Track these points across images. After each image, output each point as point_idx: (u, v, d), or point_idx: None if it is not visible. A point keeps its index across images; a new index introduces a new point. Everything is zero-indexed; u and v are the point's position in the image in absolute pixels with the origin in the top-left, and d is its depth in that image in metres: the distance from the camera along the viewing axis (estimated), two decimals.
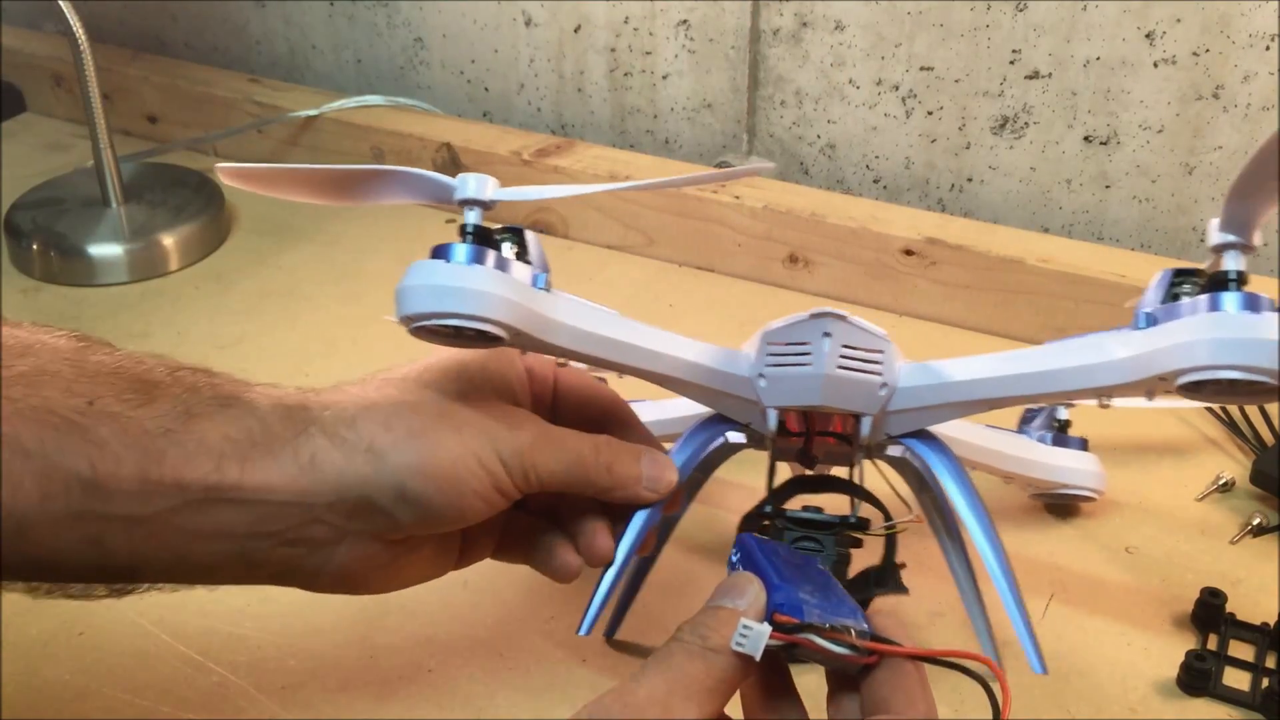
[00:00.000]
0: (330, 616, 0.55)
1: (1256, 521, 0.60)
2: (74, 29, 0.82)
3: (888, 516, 0.49)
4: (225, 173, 0.47)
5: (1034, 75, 0.81)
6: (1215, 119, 0.76)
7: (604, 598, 0.46)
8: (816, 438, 0.48)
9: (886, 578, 0.48)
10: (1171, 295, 0.42)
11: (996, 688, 0.36)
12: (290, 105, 0.98)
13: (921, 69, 0.84)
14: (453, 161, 0.92)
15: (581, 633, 0.45)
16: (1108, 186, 0.83)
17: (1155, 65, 0.77)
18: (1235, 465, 0.65)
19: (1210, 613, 0.54)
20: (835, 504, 0.48)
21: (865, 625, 0.37)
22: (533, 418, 0.45)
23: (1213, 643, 0.54)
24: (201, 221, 0.88)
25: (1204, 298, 0.40)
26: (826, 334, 0.45)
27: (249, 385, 0.43)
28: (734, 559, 0.40)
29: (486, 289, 0.41)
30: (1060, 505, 0.62)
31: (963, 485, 0.46)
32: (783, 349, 0.46)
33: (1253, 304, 0.39)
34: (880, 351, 0.46)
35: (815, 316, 0.45)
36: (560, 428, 0.45)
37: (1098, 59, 0.79)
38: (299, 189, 0.49)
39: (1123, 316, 0.43)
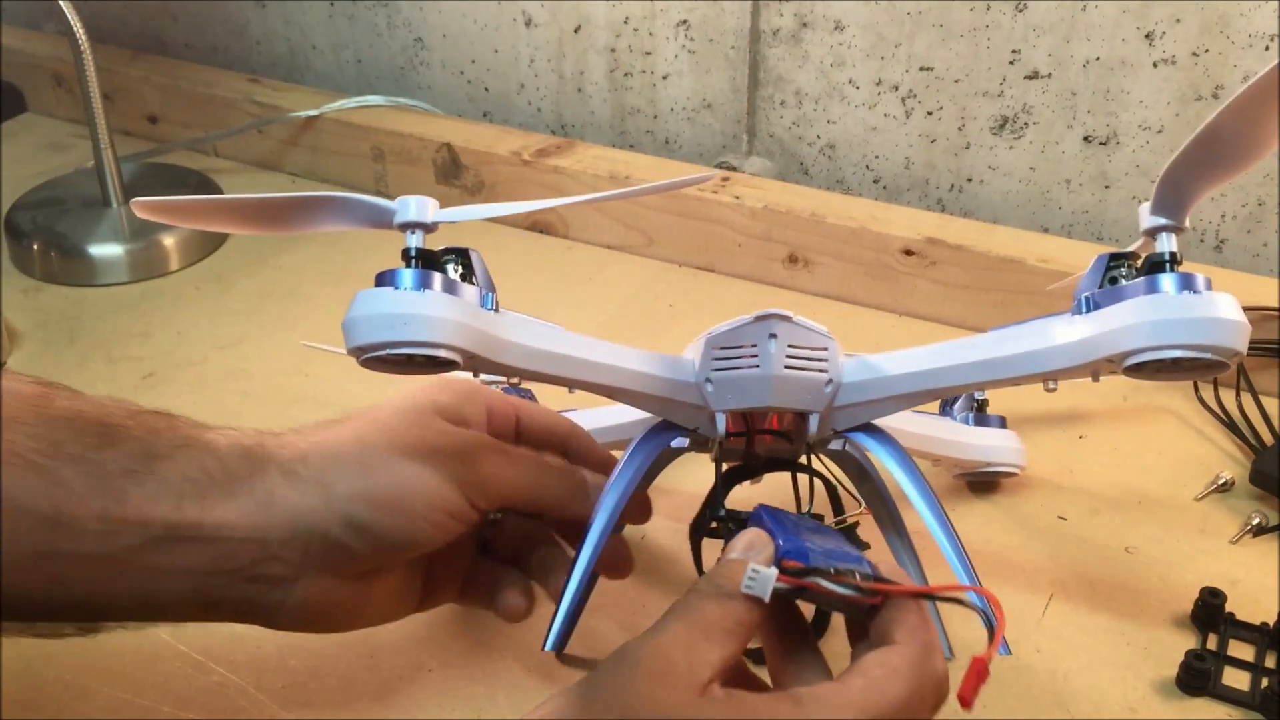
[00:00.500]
0: None
1: (1256, 521, 0.60)
2: (74, 29, 0.82)
3: (835, 497, 0.50)
4: (139, 206, 0.47)
5: (1034, 75, 0.81)
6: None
7: (566, 612, 0.46)
8: (757, 436, 0.48)
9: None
10: (1109, 279, 0.43)
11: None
12: (290, 105, 0.98)
13: (921, 69, 0.84)
14: (453, 162, 0.92)
15: (547, 648, 0.46)
16: (1107, 186, 0.83)
17: (1155, 65, 0.77)
18: (1235, 465, 0.65)
19: (1210, 612, 0.54)
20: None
21: (869, 569, 0.39)
22: (483, 438, 0.46)
23: (1212, 642, 0.54)
24: None
25: (1143, 280, 0.42)
26: (772, 335, 0.46)
27: (208, 427, 0.45)
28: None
29: (437, 314, 0.41)
30: (983, 483, 0.64)
31: (911, 474, 0.47)
32: (728, 353, 0.46)
33: (1189, 284, 0.41)
34: (825, 349, 0.47)
35: (760, 319, 0.46)
36: (511, 446, 0.46)
37: (1097, 59, 0.79)
38: (222, 220, 0.49)
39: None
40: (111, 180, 0.88)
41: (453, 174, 0.92)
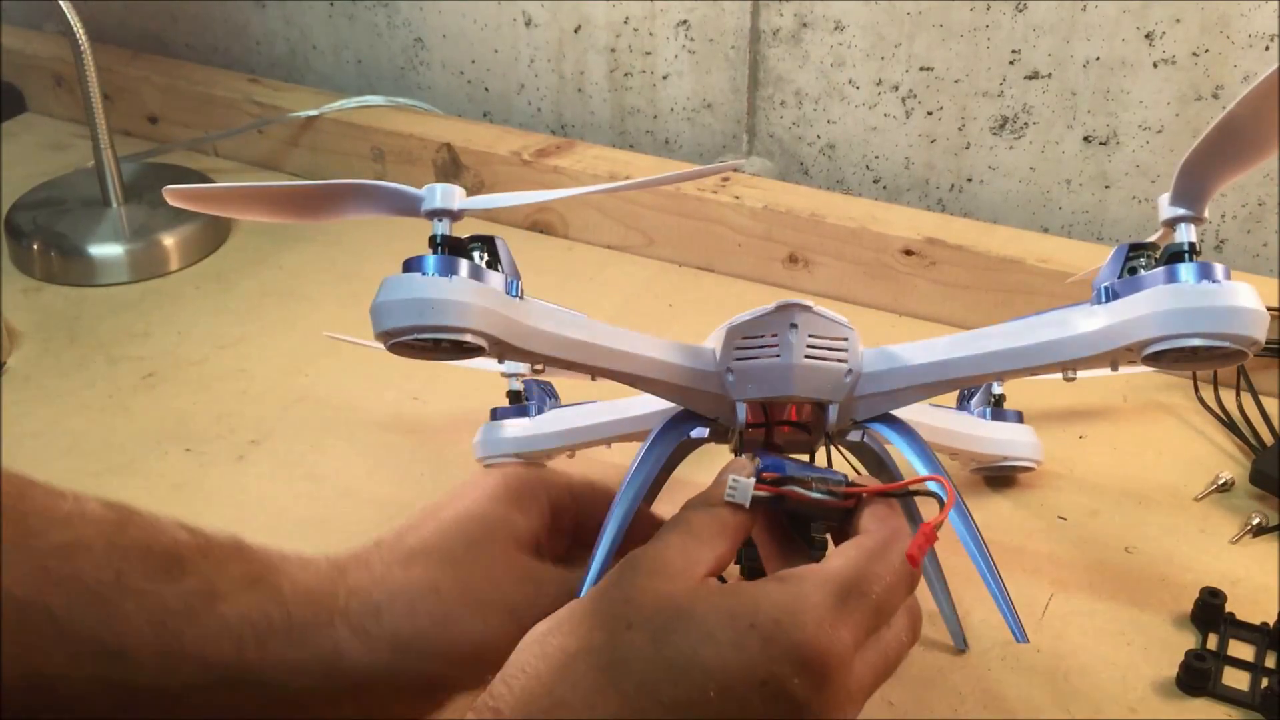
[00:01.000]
0: None
1: (1256, 521, 0.60)
2: (74, 29, 0.82)
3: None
4: (171, 194, 0.47)
5: (1034, 75, 0.81)
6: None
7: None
8: (776, 427, 0.48)
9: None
10: (1128, 269, 0.43)
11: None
12: (290, 105, 0.98)
13: (921, 69, 0.84)
14: (453, 162, 0.92)
15: None
16: (1107, 186, 0.83)
17: (1155, 65, 0.77)
18: (1235, 465, 0.65)
19: (1210, 612, 0.54)
20: None
21: (842, 479, 0.43)
22: (555, 578, 0.45)
23: (1212, 642, 0.54)
24: (202, 221, 0.88)
25: (1162, 269, 0.42)
26: (793, 324, 0.46)
27: (278, 565, 0.44)
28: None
29: (465, 299, 0.41)
30: (989, 480, 0.64)
31: (930, 464, 0.47)
32: (749, 342, 0.47)
33: (1209, 273, 0.41)
34: (845, 339, 0.47)
35: (781, 308, 0.46)
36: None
37: (1097, 59, 0.79)
38: (252, 208, 0.49)
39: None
40: (111, 180, 0.88)
41: (453, 174, 0.92)
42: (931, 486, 0.42)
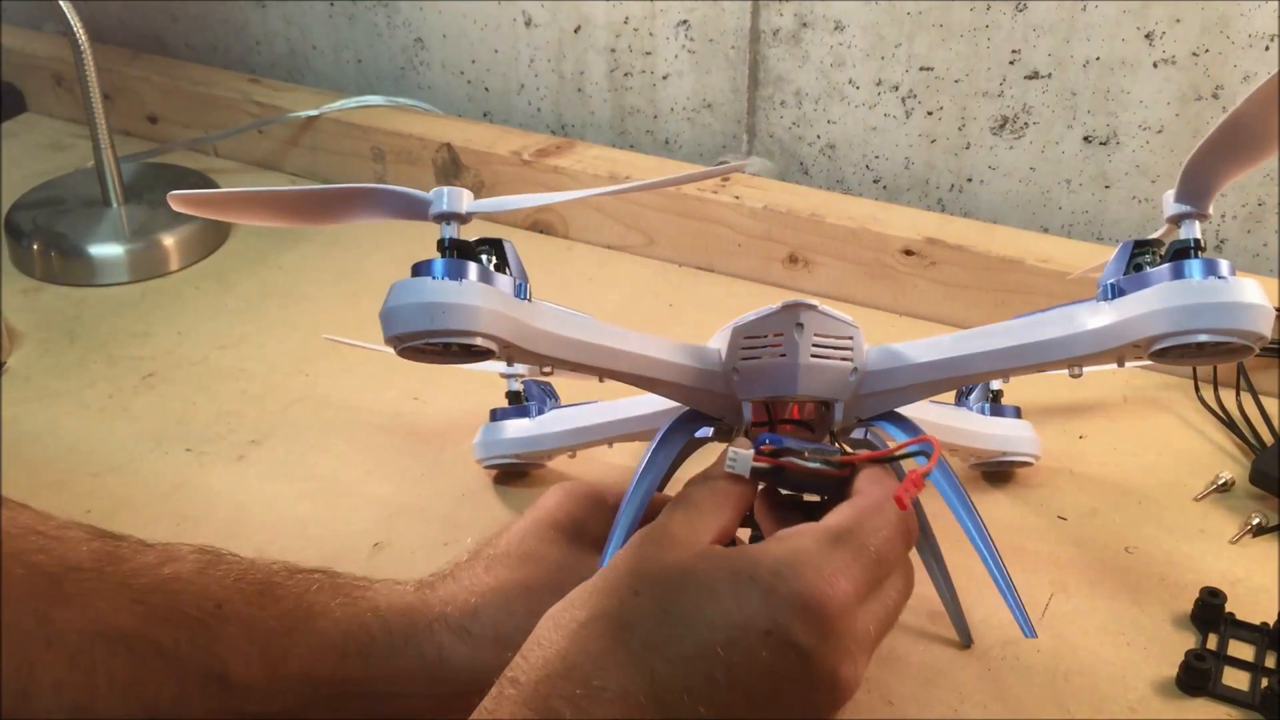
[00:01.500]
0: None
1: (1256, 521, 0.60)
2: (74, 29, 0.82)
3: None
4: (175, 200, 0.47)
5: (1034, 75, 0.81)
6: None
7: None
8: (781, 425, 0.49)
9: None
10: (1133, 266, 0.44)
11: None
12: (290, 105, 0.98)
13: (921, 69, 0.84)
14: (453, 162, 0.92)
15: None
16: (1107, 186, 0.83)
17: (1155, 65, 0.77)
18: (1235, 465, 0.65)
19: (1210, 612, 0.54)
20: None
21: (837, 450, 0.45)
22: None
23: (1212, 642, 0.54)
24: (202, 221, 0.88)
25: (1168, 266, 0.42)
26: (799, 324, 0.46)
27: (369, 584, 0.46)
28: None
29: (474, 303, 0.41)
30: (998, 474, 0.64)
31: (938, 462, 0.47)
32: (755, 342, 0.47)
33: (1214, 269, 0.41)
34: (850, 338, 0.47)
35: (787, 308, 0.46)
36: None
37: (1097, 59, 0.79)
38: (257, 213, 0.49)
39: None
40: (111, 180, 0.88)
41: (453, 174, 0.92)
42: (919, 451, 0.43)
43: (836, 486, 0.44)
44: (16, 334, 0.79)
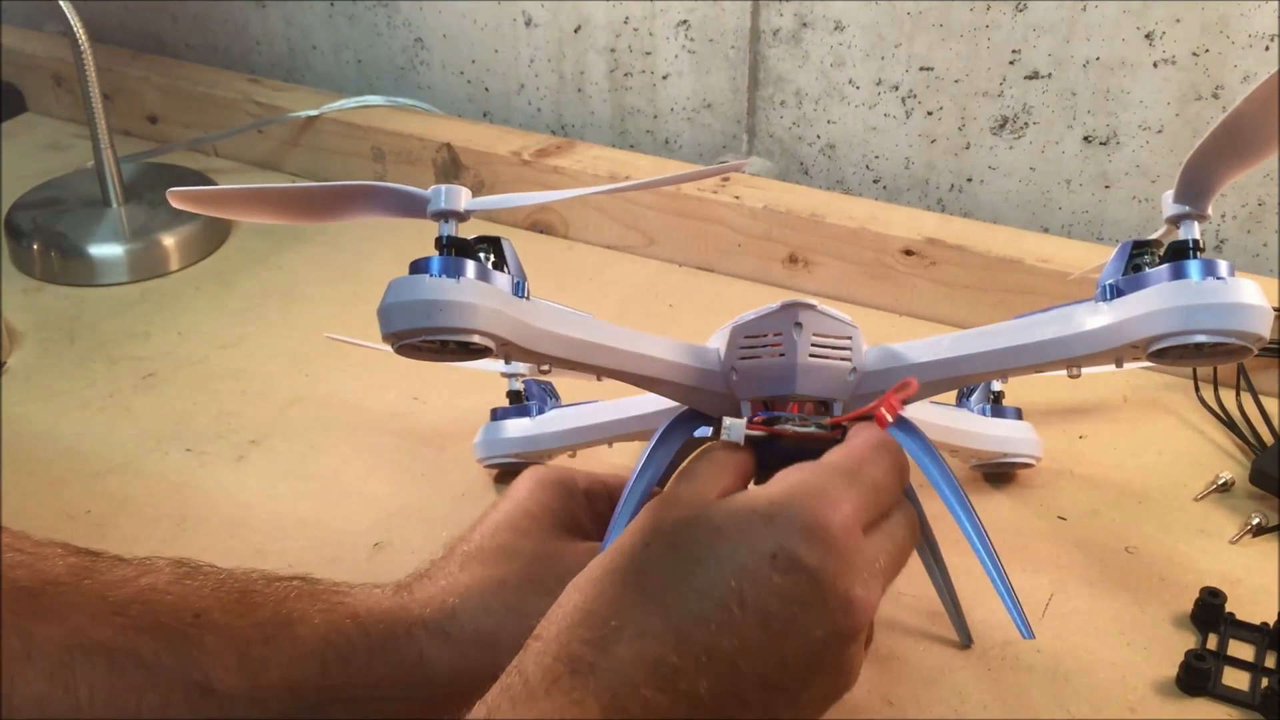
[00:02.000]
0: None
1: (1256, 521, 0.60)
2: (74, 29, 0.82)
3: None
4: (174, 196, 0.47)
5: (1034, 75, 0.81)
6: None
7: None
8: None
9: None
10: (1132, 266, 0.44)
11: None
12: (290, 105, 0.98)
13: (921, 69, 0.84)
14: (453, 162, 0.92)
15: None
16: (1107, 186, 0.83)
17: (1155, 65, 0.77)
18: (1235, 465, 0.65)
19: (1210, 612, 0.54)
20: None
21: (826, 415, 0.47)
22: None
23: (1212, 642, 0.54)
24: (202, 221, 0.88)
25: (1167, 266, 0.42)
26: (798, 323, 0.46)
27: (348, 589, 0.46)
28: None
29: (472, 300, 0.41)
30: (999, 474, 0.64)
31: (935, 461, 0.47)
32: (754, 341, 0.47)
33: (1213, 270, 0.41)
34: (849, 338, 0.47)
35: (786, 307, 0.46)
36: None
37: (1097, 59, 0.79)
38: (256, 210, 0.49)
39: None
40: (111, 180, 0.88)
41: (453, 174, 0.92)
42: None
43: (829, 449, 0.45)
44: (16, 334, 0.79)
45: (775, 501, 0.40)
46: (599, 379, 0.48)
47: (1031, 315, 0.46)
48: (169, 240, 0.86)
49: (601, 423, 0.59)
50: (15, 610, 0.40)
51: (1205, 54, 0.76)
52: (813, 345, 0.46)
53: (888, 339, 0.49)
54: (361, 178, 0.96)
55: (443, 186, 0.43)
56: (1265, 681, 0.51)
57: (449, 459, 0.66)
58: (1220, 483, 0.63)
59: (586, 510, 0.50)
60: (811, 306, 0.46)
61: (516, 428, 0.61)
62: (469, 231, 0.44)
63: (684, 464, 0.45)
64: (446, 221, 0.43)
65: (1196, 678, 0.51)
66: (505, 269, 0.44)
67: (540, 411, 0.61)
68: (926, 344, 0.48)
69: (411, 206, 0.44)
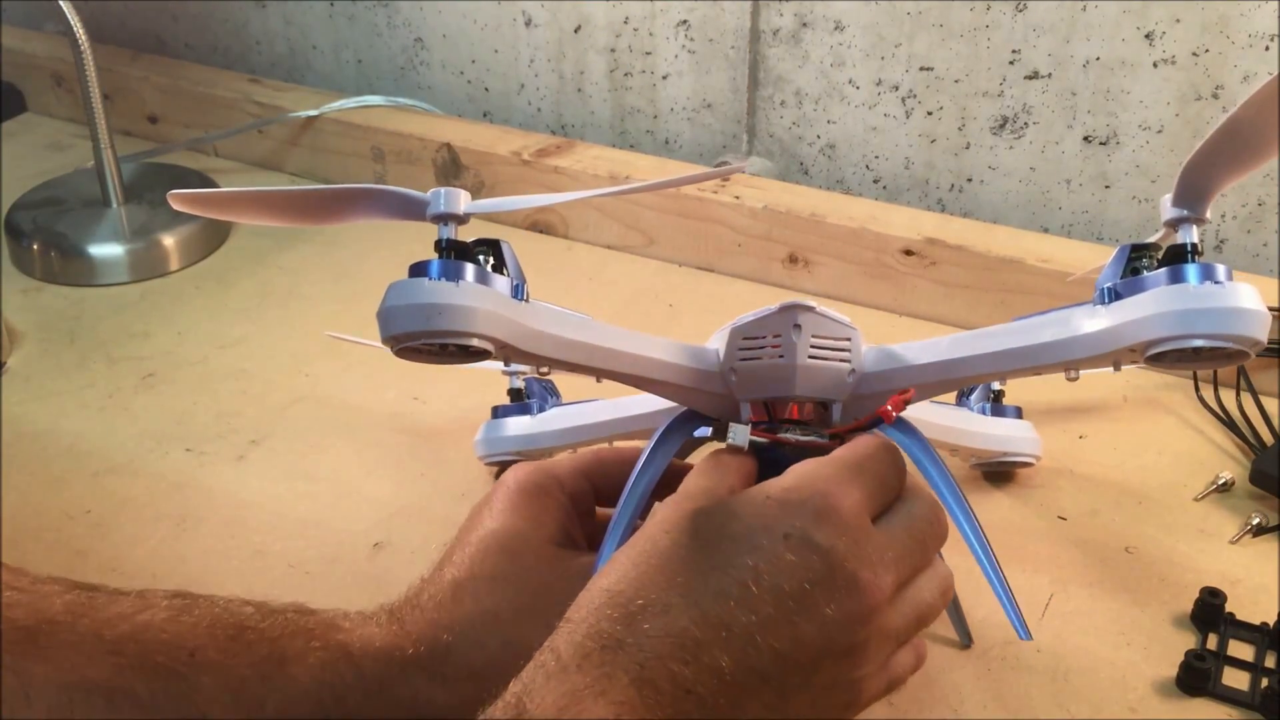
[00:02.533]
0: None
1: (1256, 521, 0.60)
2: (74, 29, 0.82)
3: None
4: (175, 199, 0.47)
5: (1034, 75, 0.81)
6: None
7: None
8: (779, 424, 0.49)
9: None
10: (1130, 270, 0.44)
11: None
12: (290, 105, 0.98)
13: (921, 69, 0.84)
14: (453, 162, 0.92)
15: None
16: (1107, 186, 0.83)
17: (1155, 65, 0.77)
18: (1235, 465, 0.65)
19: (1210, 612, 0.54)
20: None
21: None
22: (593, 563, 0.47)
23: (1212, 642, 0.54)
24: (202, 221, 0.88)
25: (1165, 270, 0.42)
26: (797, 325, 0.46)
27: (340, 620, 0.45)
28: None
29: (471, 304, 0.41)
30: (999, 474, 0.64)
31: (934, 462, 0.47)
32: (753, 343, 0.47)
33: (1211, 274, 0.41)
34: (848, 339, 0.47)
35: (785, 309, 0.46)
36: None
37: (1097, 59, 0.79)
38: (256, 212, 0.49)
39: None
40: (111, 180, 0.88)
41: (453, 174, 0.92)
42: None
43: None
44: (16, 334, 0.79)
45: (789, 488, 0.42)
46: (599, 380, 0.48)
47: (1030, 318, 0.46)
48: (169, 240, 0.86)
49: (602, 421, 0.59)
50: (14, 650, 0.41)
51: (1205, 54, 0.76)
52: (812, 347, 0.46)
53: (888, 339, 0.49)
54: (361, 178, 0.96)
55: (442, 189, 0.43)
56: (1265, 681, 0.51)
57: (449, 459, 0.66)
58: (1220, 483, 0.63)
59: (573, 516, 0.50)
60: (811, 308, 0.46)
61: (517, 425, 0.61)
62: (469, 229, 0.44)
63: (692, 470, 0.46)
64: (446, 224, 0.43)
65: (1196, 678, 0.51)
66: (504, 271, 0.44)
67: (541, 409, 0.61)
68: (925, 345, 0.48)
69: (411, 209, 0.44)
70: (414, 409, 0.71)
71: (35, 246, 0.86)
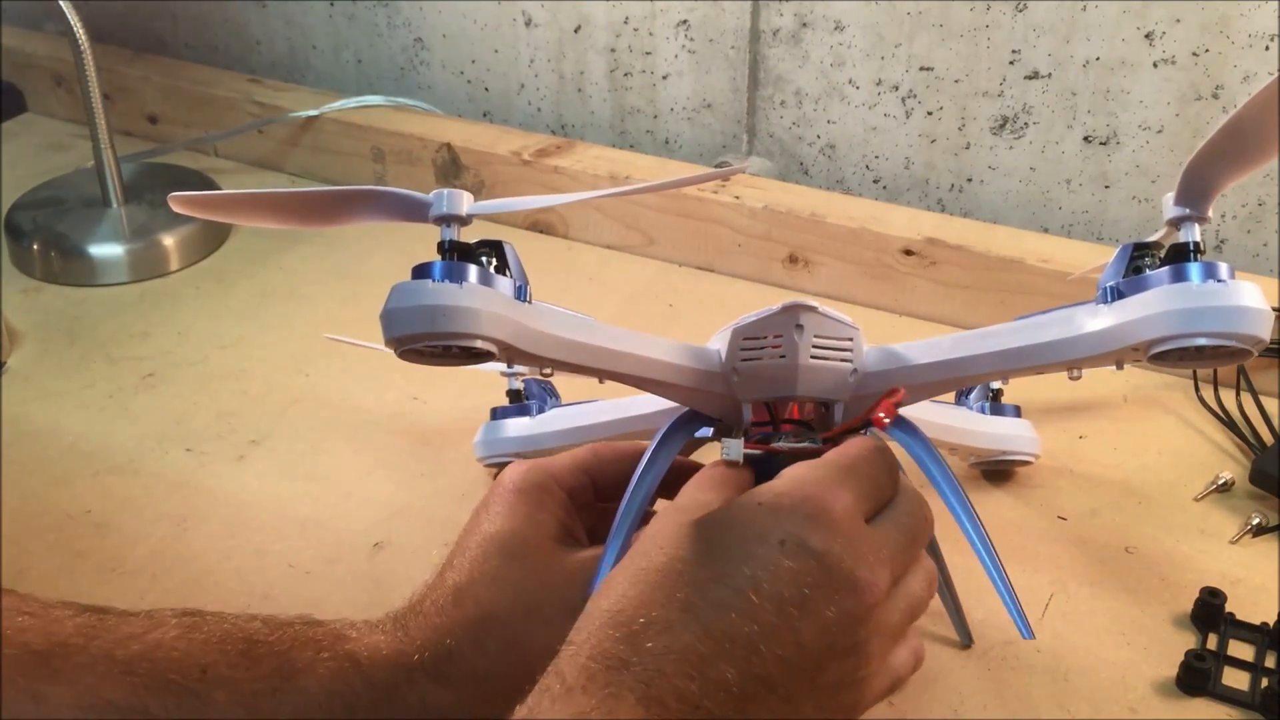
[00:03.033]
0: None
1: (1256, 521, 0.60)
2: (74, 29, 0.82)
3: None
4: (176, 201, 0.47)
5: (1034, 75, 0.81)
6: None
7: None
8: (781, 426, 0.49)
9: None
10: (1133, 269, 0.44)
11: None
12: (290, 105, 0.98)
13: (921, 69, 0.84)
14: (453, 162, 0.92)
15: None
16: (1107, 186, 0.83)
17: (1155, 65, 0.77)
18: (1235, 465, 0.65)
19: (1210, 612, 0.54)
20: None
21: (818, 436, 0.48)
22: (595, 558, 0.47)
23: (1212, 642, 0.54)
24: (202, 222, 0.88)
25: (1168, 269, 0.42)
26: (799, 325, 0.46)
27: (347, 630, 0.46)
28: None
29: (474, 305, 0.41)
30: (998, 472, 0.64)
31: (936, 462, 0.47)
32: (755, 343, 0.47)
33: (1213, 272, 0.41)
34: (850, 339, 0.47)
35: (787, 309, 0.46)
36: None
37: (1097, 59, 0.79)
38: (258, 214, 0.49)
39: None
40: (111, 180, 0.88)
41: (453, 174, 0.92)
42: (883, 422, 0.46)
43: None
44: (16, 334, 0.79)
45: (780, 493, 0.42)
46: (601, 381, 0.48)
47: (1032, 317, 0.46)
48: (169, 240, 0.87)
49: (601, 422, 0.59)
50: (28, 674, 0.41)
51: (1205, 54, 0.76)
52: (814, 347, 0.46)
53: (888, 339, 0.49)
54: (361, 178, 0.96)
55: (444, 191, 0.43)
56: (1265, 681, 0.51)
57: (449, 459, 0.66)
58: (1220, 483, 0.63)
59: (571, 512, 0.50)
60: (812, 308, 0.46)
61: (516, 427, 0.61)
62: (470, 230, 0.44)
63: (687, 484, 0.46)
64: (448, 226, 0.43)
65: (1196, 678, 0.51)
66: (507, 273, 0.44)
67: (540, 410, 0.61)
68: (927, 345, 0.48)
69: (413, 211, 0.44)
70: (414, 409, 0.71)
71: (35, 246, 0.86)
